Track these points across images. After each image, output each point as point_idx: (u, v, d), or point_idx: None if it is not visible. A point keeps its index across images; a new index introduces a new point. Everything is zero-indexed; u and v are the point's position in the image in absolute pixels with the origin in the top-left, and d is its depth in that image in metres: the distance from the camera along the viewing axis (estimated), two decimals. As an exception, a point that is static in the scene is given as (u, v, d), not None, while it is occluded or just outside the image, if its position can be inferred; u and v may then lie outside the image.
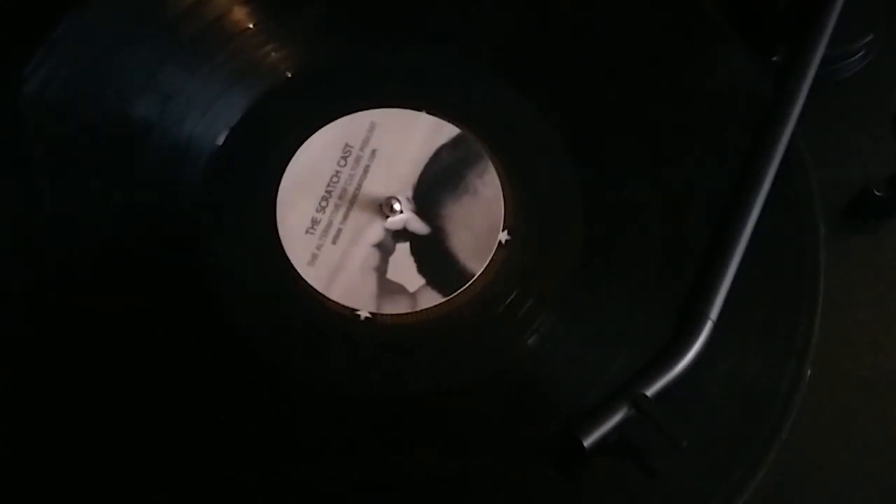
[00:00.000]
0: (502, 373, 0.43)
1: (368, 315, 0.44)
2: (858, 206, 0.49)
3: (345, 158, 0.48)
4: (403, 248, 0.46)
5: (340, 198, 0.47)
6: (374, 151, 0.48)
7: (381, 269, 0.45)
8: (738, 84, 0.49)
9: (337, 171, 0.47)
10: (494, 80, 0.49)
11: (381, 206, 0.46)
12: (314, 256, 0.45)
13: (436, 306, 0.44)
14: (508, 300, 0.44)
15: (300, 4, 0.50)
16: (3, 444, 0.40)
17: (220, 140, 0.47)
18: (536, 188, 0.47)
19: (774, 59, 0.51)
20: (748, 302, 0.43)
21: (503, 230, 0.46)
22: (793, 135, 0.47)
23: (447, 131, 0.48)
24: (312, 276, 0.45)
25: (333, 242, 0.46)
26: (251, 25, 0.50)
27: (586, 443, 0.40)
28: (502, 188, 0.47)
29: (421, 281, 0.45)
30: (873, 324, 0.46)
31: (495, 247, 0.45)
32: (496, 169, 0.47)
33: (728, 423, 0.41)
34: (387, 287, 0.45)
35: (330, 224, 0.46)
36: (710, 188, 0.47)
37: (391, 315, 0.44)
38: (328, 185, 0.47)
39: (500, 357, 0.43)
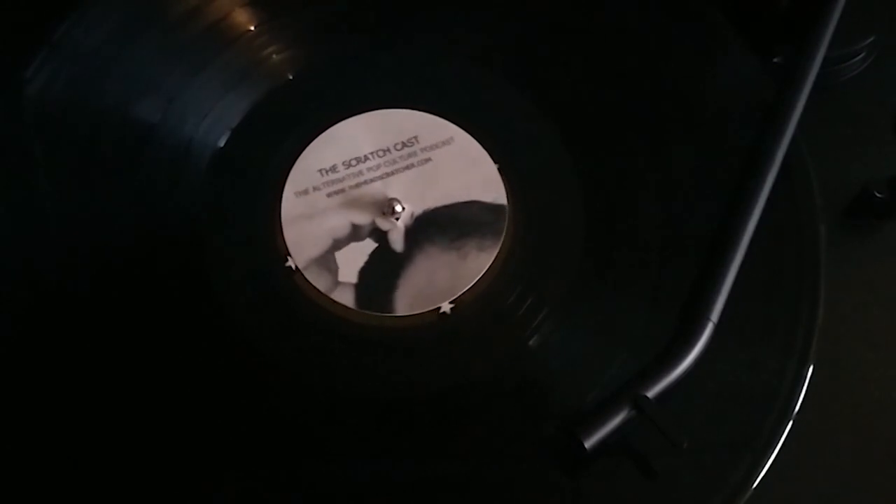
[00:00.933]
0: (504, 374, 0.43)
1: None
2: (859, 207, 0.49)
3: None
4: (368, 245, 0.46)
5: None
6: (424, 160, 0.48)
7: (337, 245, 0.45)
8: (739, 85, 0.49)
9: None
10: (500, 82, 0.50)
11: (384, 203, 0.46)
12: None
13: (439, 308, 0.44)
14: (510, 301, 0.45)
15: (301, 7, 0.51)
16: (6, 443, 0.41)
17: (222, 142, 0.48)
18: (538, 189, 0.47)
19: (776, 60, 0.51)
20: (749, 303, 0.43)
21: (450, 303, 0.45)
22: (794, 136, 0.47)
23: (495, 195, 0.47)
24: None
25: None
26: (252, 28, 0.50)
27: (588, 444, 0.40)
28: (490, 262, 0.46)
29: (353, 279, 0.45)
30: (874, 325, 0.46)
31: (429, 308, 0.44)
32: (502, 246, 0.46)
33: (729, 425, 0.41)
34: (326, 261, 0.45)
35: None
36: (711, 190, 0.47)
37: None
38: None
39: (502, 358, 0.43)
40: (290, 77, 0.49)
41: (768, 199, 0.45)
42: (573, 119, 0.48)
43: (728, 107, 0.49)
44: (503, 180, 0.47)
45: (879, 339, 0.46)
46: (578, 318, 0.44)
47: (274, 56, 0.49)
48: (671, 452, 0.39)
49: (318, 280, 0.45)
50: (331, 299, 0.44)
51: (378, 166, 0.48)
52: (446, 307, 0.44)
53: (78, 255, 0.45)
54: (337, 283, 0.45)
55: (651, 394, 0.41)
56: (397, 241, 0.46)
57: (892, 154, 0.49)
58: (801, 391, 0.42)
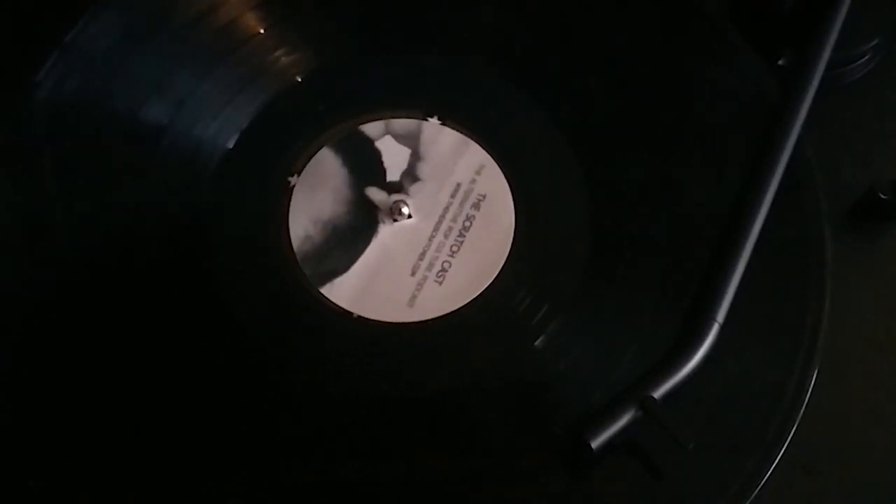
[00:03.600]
0: (510, 374, 0.43)
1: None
2: (864, 208, 0.49)
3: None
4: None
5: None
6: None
7: (343, 246, 0.46)
8: (744, 88, 0.49)
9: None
10: (504, 85, 0.50)
11: (390, 203, 0.47)
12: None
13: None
14: (516, 302, 0.45)
15: (311, 9, 0.51)
16: (13, 441, 0.41)
17: (231, 143, 0.48)
18: (544, 190, 0.47)
19: (780, 62, 0.51)
20: (754, 304, 0.44)
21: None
22: (799, 138, 0.47)
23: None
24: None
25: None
26: (261, 30, 0.50)
27: (594, 444, 0.40)
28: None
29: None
30: (879, 326, 0.47)
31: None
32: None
33: (734, 426, 0.42)
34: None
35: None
36: (716, 191, 0.47)
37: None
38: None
39: (508, 358, 0.44)
40: (299, 79, 0.49)
41: (773, 201, 0.45)
42: (579, 121, 0.49)
43: (733, 108, 0.49)
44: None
45: (884, 339, 0.46)
46: (585, 319, 0.44)
47: (283, 58, 0.49)
48: (677, 453, 0.40)
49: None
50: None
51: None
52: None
53: (87, 257, 0.45)
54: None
55: (657, 394, 0.41)
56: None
57: (896, 156, 0.50)
58: (806, 392, 0.42)
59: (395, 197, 0.47)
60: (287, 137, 0.48)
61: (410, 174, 0.48)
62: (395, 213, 0.46)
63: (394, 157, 0.48)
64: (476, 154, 0.48)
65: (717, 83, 0.50)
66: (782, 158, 0.46)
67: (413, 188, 0.47)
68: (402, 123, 0.49)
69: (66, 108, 0.47)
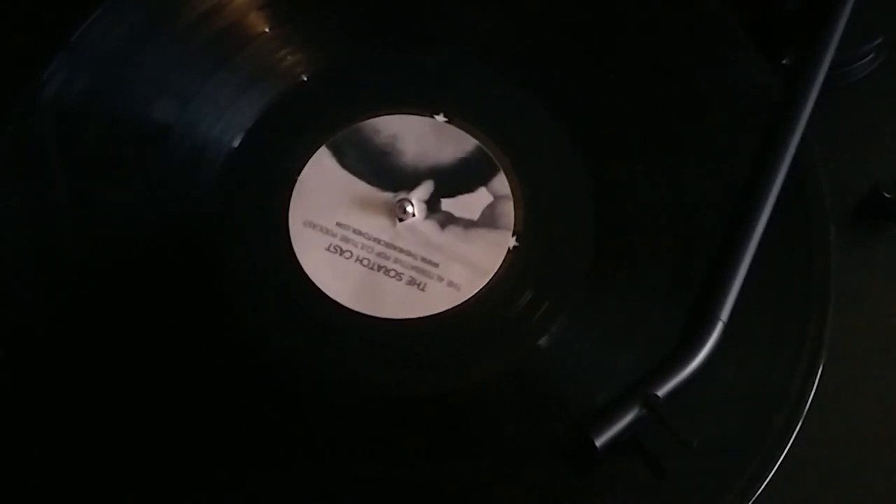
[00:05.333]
0: (514, 373, 0.43)
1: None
2: (868, 207, 0.49)
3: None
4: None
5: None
6: (401, 157, 0.48)
7: (348, 246, 0.46)
8: (748, 86, 0.49)
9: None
10: (509, 83, 0.50)
11: (393, 202, 0.47)
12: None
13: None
14: (520, 300, 0.45)
15: (317, 8, 0.51)
16: (18, 442, 0.41)
17: (237, 142, 0.48)
18: (548, 189, 0.48)
19: (784, 61, 0.51)
20: (759, 303, 0.44)
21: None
22: (803, 137, 0.47)
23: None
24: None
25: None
26: (267, 29, 0.50)
27: (598, 442, 0.40)
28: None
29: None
30: (884, 324, 0.47)
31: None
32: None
33: (739, 424, 0.42)
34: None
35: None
36: (720, 190, 0.47)
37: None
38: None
39: (512, 357, 0.44)
40: (305, 78, 0.49)
41: (778, 200, 0.45)
42: (582, 118, 0.49)
43: (737, 107, 0.49)
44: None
45: (889, 338, 0.46)
46: (589, 317, 0.44)
47: (289, 57, 0.49)
48: (681, 451, 0.40)
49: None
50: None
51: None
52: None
53: (93, 255, 0.45)
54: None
55: (661, 393, 0.41)
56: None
57: (900, 155, 0.50)
58: (810, 391, 0.42)
59: (400, 195, 0.47)
60: (292, 136, 0.48)
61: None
62: (399, 212, 0.46)
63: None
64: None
65: (722, 82, 0.50)
66: (786, 157, 0.46)
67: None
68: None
69: (71, 107, 0.47)
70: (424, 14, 0.51)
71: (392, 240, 0.46)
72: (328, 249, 0.46)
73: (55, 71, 0.48)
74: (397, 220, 0.47)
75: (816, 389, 0.42)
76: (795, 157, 0.46)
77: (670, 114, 0.49)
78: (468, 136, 0.49)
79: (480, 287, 0.45)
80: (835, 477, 0.43)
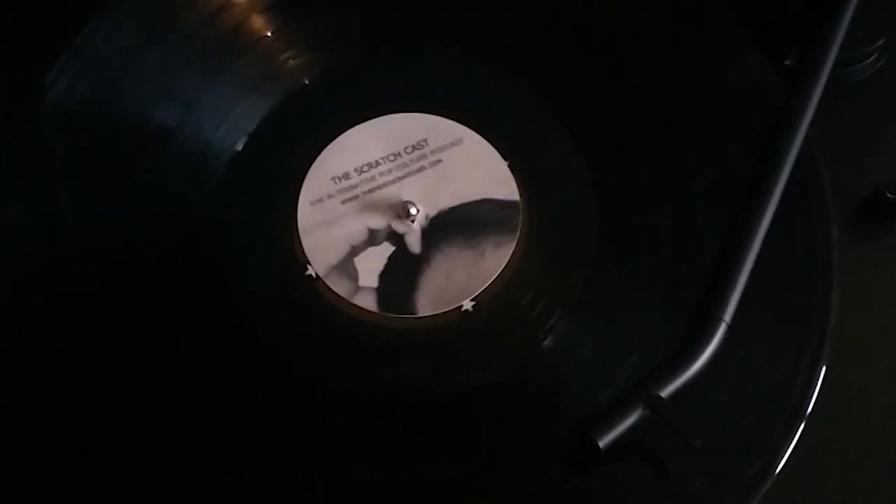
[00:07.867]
0: (517, 374, 0.43)
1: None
2: (871, 207, 0.49)
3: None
4: (385, 248, 0.46)
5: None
6: (435, 162, 0.48)
7: (355, 251, 0.46)
8: (750, 87, 0.50)
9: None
10: (511, 86, 0.50)
11: (398, 206, 0.47)
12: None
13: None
14: (523, 302, 0.45)
15: (318, 12, 0.51)
16: (21, 441, 0.41)
17: (240, 146, 0.48)
18: (551, 190, 0.48)
19: (787, 62, 0.51)
20: (762, 304, 0.44)
21: (471, 300, 0.45)
22: (806, 137, 0.47)
23: (508, 192, 0.47)
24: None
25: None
26: (269, 33, 0.50)
27: (602, 443, 0.40)
28: (508, 258, 0.46)
29: (374, 283, 0.45)
30: (886, 325, 0.46)
31: (451, 307, 0.45)
32: (518, 240, 0.47)
33: (742, 425, 0.42)
34: (345, 267, 0.45)
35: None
36: (723, 191, 0.47)
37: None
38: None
39: (515, 359, 0.44)
40: (307, 82, 0.49)
41: (780, 200, 0.45)
42: (585, 119, 0.49)
43: (740, 108, 0.49)
44: (515, 177, 0.48)
45: (891, 339, 0.46)
46: (592, 319, 0.44)
47: (291, 61, 0.50)
48: (684, 452, 0.40)
49: (339, 286, 0.45)
50: (353, 304, 0.45)
51: (390, 170, 0.48)
52: (468, 304, 0.45)
53: (96, 259, 0.45)
54: (358, 288, 0.45)
55: (665, 393, 0.41)
56: (414, 243, 0.46)
57: (902, 155, 0.50)
58: (813, 392, 0.42)
59: (405, 197, 0.47)
60: (295, 140, 0.48)
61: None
62: (403, 214, 0.46)
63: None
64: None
65: (725, 83, 0.50)
66: (789, 157, 0.46)
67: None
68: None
69: (75, 110, 0.47)
70: (426, 17, 0.51)
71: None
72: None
73: (59, 74, 0.48)
74: (403, 222, 0.47)
75: (819, 389, 0.42)
76: (798, 158, 0.46)
77: (674, 114, 0.49)
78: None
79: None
80: (838, 477, 0.43)
